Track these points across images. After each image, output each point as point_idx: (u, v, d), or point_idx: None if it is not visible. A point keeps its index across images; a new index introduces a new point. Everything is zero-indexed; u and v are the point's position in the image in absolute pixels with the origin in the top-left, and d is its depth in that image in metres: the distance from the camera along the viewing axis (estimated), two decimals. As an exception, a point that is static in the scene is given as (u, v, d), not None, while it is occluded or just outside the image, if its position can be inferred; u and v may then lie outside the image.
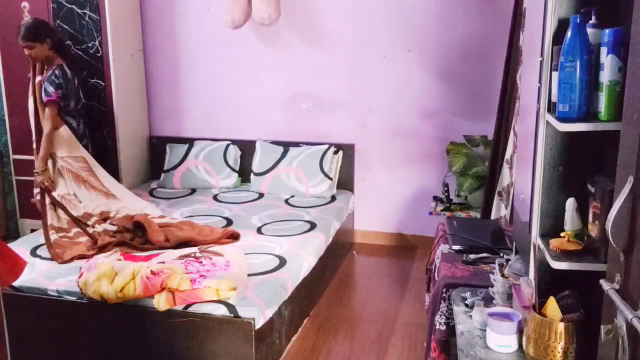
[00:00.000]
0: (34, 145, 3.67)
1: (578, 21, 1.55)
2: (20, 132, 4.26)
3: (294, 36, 4.34)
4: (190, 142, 4.56)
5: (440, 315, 2.30)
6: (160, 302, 2.54)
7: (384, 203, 4.43)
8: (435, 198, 4.05)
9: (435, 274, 2.61)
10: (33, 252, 3.15)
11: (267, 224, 3.61)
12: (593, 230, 1.61)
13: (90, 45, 4.18)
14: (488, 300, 2.04)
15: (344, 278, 3.94)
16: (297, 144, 4.38)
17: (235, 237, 3.33)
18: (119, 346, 2.69)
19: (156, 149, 4.72)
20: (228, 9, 4.04)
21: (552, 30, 1.68)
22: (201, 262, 2.76)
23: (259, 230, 3.50)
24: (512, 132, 3.21)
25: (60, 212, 3.48)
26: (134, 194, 3.95)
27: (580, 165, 1.73)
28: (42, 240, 3.30)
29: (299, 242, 3.31)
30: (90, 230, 3.38)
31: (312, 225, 3.58)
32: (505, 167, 3.30)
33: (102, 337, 2.71)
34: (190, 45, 4.57)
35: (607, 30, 1.48)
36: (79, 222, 3.45)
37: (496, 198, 3.46)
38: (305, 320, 3.28)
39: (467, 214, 3.81)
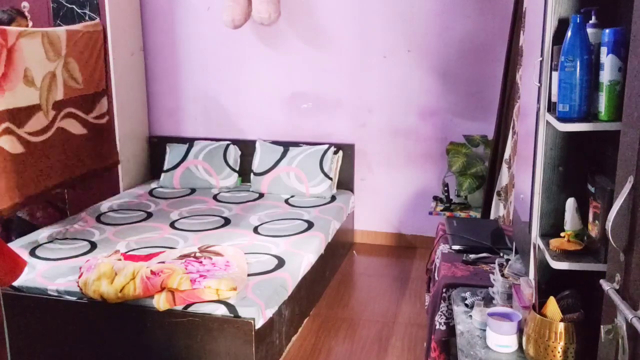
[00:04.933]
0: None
1: (578, 21, 1.55)
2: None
3: (294, 36, 4.34)
4: (190, 142, 4.56)
5: (440, 315, 2.30)
6: (160, 302, 2.54)
7: (384, 203, 4.43)
8: (435, 198, 4.05)
9: (435, 274, 2.61)
10: (33, 252, 3.15)
11: (264, 223, 3.61)
12: (593, 230, 1.61)
13: (90, 45, 4.18)
14: (488, 300, 2.04)
15: (344, 278, 3.93)
16: (297, 144, 4.38)
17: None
18: (119, 346, 2.69)
19: (156, 148, 4.72)
20: (228, 9, 4.04)
21: (552, 30, 1.68)
22: (201, 262, 2.76)
23: (255, 230, 3.49)
24: (511, 132, 3.22)
25: None
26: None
27: (580, 165, 1.73)
28: (42, 240, 3.30)
29: (297, 242, 3.30)
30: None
31: (310, 225, 3.58)
32: (504, 167, 3.31)
33: (102, 337, 2.71)
34: (190, 46, 4.57)
35: (607, 30, 1.48)
36: None
37: (495, 198, 3.47)
38: (305, 320, 3.28)
39: (467, 213, 3.82)
